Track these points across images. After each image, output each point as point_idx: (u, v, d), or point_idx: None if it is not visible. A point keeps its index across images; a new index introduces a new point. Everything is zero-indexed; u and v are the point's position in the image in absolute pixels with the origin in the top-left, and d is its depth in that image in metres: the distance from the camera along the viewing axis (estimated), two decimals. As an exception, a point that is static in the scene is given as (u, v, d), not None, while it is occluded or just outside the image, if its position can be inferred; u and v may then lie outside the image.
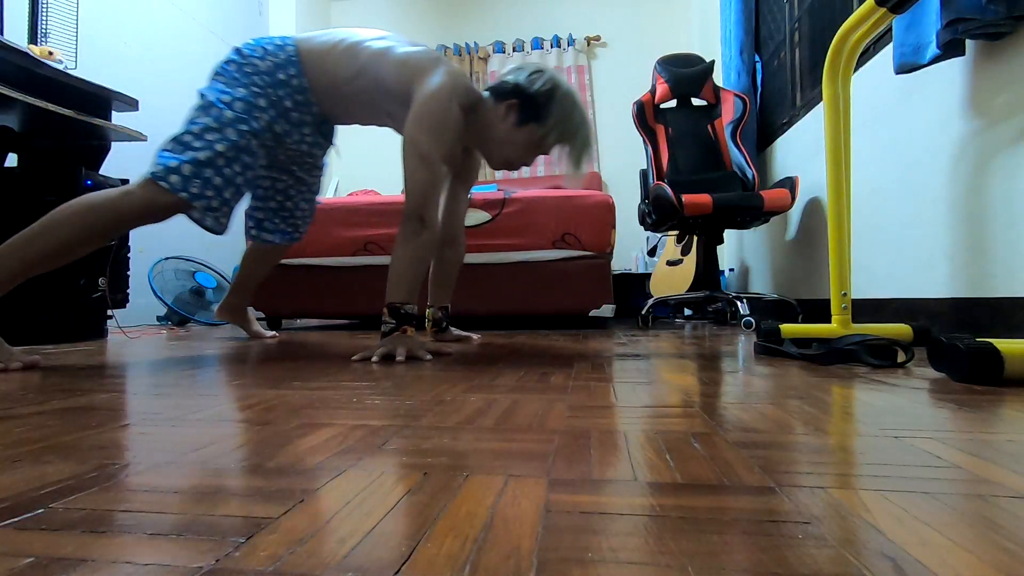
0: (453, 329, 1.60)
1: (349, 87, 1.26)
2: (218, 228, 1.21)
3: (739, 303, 2.22)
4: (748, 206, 2.18)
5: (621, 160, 4.25)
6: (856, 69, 1.88)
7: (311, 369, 1.00)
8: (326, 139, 1.40)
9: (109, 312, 1.90)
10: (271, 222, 1.51)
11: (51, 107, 1.62)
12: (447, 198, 1.47)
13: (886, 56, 1.71)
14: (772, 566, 0.25)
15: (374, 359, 1.11)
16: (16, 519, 0.32)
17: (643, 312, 2.43)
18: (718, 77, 3.40)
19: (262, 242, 1.54)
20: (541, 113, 1.23)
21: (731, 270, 3.55)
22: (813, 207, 2.31)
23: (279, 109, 1.25)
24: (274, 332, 1.86)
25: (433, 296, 1.54)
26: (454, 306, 2.19)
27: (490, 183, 3.30)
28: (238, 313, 1.73)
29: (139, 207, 1.08)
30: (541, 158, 4.16)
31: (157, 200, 1.09)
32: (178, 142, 1.13)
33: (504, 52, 4.43)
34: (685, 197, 2.19)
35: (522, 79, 1.24)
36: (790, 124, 2.55)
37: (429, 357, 1.12)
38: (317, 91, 1.27)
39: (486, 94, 1.29)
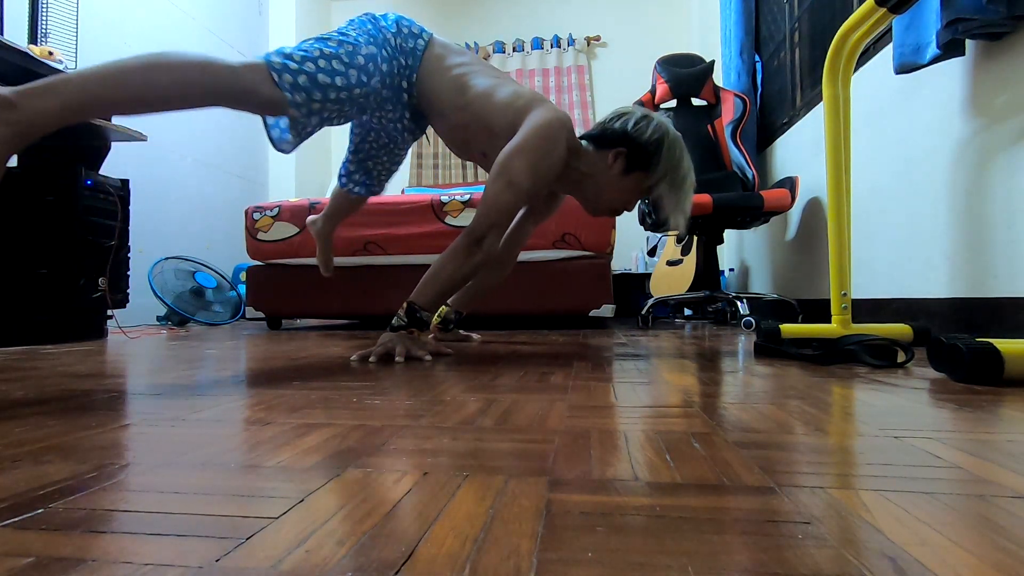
0: (459, 331, 1.62)
1: (453, 117, 1.25)
2: (286, 147, 1.17)
3: (739, 303, 2.22)
4: (748, 206, 2.18)
5: (621, 160, 4.26)
6: (856, 69, 1.88)
7: (311, 369, 1.00)
8: (419, 128, 1.38)
9: (109, 312, 1.90)
10: (358, 174, 1.53)
11: (51, 107, 1.62)
12: (513, 227, 1.48)
13: (886, 56, 1.71)
14: (772, 566, 0.25)
15: (372, 359, 1.11)
16: (16, 519, 0.32)
17: (643, 312, 2.43)
18: (718, 77, 3.40)
19: (347, 191, 1.56)
20: (651, 162, 1.21)
21: (731, 270, 3.55)
22: (813, 207, 2.31)
23: (392, 79, 1.23)
24: (330, 273, 1.83)
25: (456, 298, 1.55)
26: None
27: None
28: (324, 239, 1.75)
29: (243, 85, 1.00)
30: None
31: (261, 87, 1.01)
32: (304, 52, 1.07)
33: (504, 52, 4.43)
34: (685, 197, 2.19)
35: (630, 127, 1.21)
36: (790, 124, 2.55)
37: (428, 358, 1.12)
38: (421, 93, 1.27)
39: (583, 142, 1.27)
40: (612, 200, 1.27)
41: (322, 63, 1.07)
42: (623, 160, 1.22)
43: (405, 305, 1.17)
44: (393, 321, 1.17)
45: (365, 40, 1.15)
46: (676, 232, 1.29)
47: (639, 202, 2.31)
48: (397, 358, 1.10)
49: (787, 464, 0.41)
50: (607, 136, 1.23)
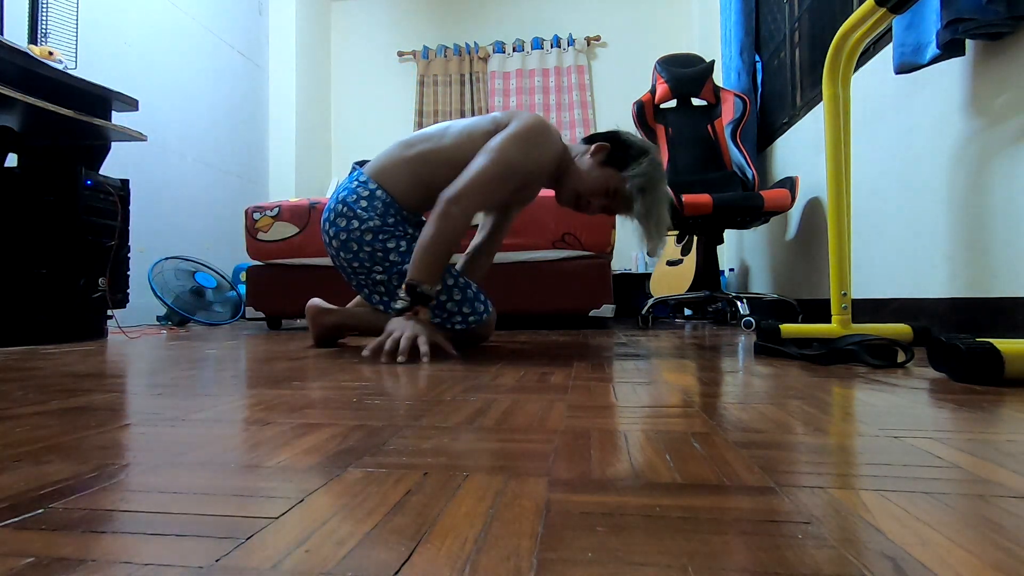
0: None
1: (447, 182, 1.26)
2: None
3: (739, 303, 2.22)
4: (748, 206, 2.18)
5: (621, 160, 4.26)
6: (856, 69, 1.88)
7: (311, 369, 1.00)
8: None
9: (109, 312, 1.90)
10: None
11: (51, 107, 1.62)
12: (499, 216, 1.50)
13: (886, 56, 1.71)
14: (772, 566, 0.25)
15: (386, 347, 1.11)
16: (16, 519, 0.32)
17: (643, 312, 2.43)
18: (718, 77, 3.40)
19: None
20: (628, 163, 1.27)
21: (731, 270, 3.55)
22: (813, 207, 2.31)
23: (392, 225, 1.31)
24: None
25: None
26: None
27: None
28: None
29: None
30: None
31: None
32: None
33: (504, 52, 4.43)
34: (685, 197, 2.19)
35: (622, 133, 1.31)
36: (790, 124, 2.55)
37: (425, 348, 1.11)
38: (406, 205, 1.32)
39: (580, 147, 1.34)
40: (577, 184, 1.30)
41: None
42: (604, 154, 1.29)
43: (404, 286, 1.17)
44: (397, 305, 1.18)
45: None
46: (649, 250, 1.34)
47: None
48: (399, 357, 1.10)
49: (787, 464, 0.41)
50: (598, 134, 1.33)
